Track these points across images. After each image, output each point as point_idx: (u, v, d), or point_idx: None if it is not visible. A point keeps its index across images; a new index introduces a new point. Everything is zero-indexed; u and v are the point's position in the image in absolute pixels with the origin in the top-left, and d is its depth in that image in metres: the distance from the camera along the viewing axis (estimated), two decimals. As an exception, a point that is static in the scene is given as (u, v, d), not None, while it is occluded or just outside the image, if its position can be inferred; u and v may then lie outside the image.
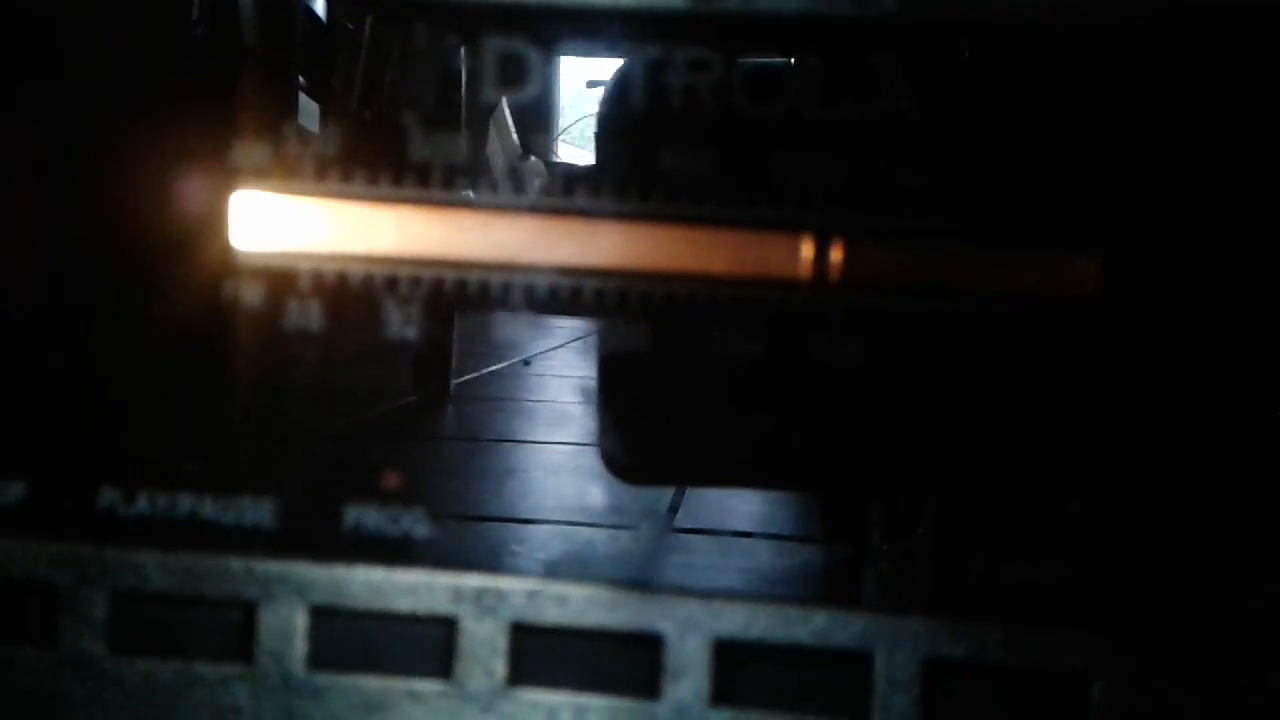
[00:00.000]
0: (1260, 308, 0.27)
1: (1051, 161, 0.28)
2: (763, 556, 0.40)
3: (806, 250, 0.28)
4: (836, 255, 0.28)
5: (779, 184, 0.28)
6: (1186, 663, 0.27)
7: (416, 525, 0.29)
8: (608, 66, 0.29)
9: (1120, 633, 0.28)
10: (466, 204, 0.28)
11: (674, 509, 0.47)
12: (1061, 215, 0.28)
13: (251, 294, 0.28)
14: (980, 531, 0.29)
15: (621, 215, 0.28)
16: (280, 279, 0.28)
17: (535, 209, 0.28)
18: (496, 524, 0.45)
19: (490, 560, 0.34)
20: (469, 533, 0.41)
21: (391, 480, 0.29)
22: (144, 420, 0.30)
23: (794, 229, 0.28)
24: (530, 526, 0.44)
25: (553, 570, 0.30)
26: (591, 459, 0.32)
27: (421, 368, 0.52)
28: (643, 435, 0.31)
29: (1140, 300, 0.27)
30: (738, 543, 0.41)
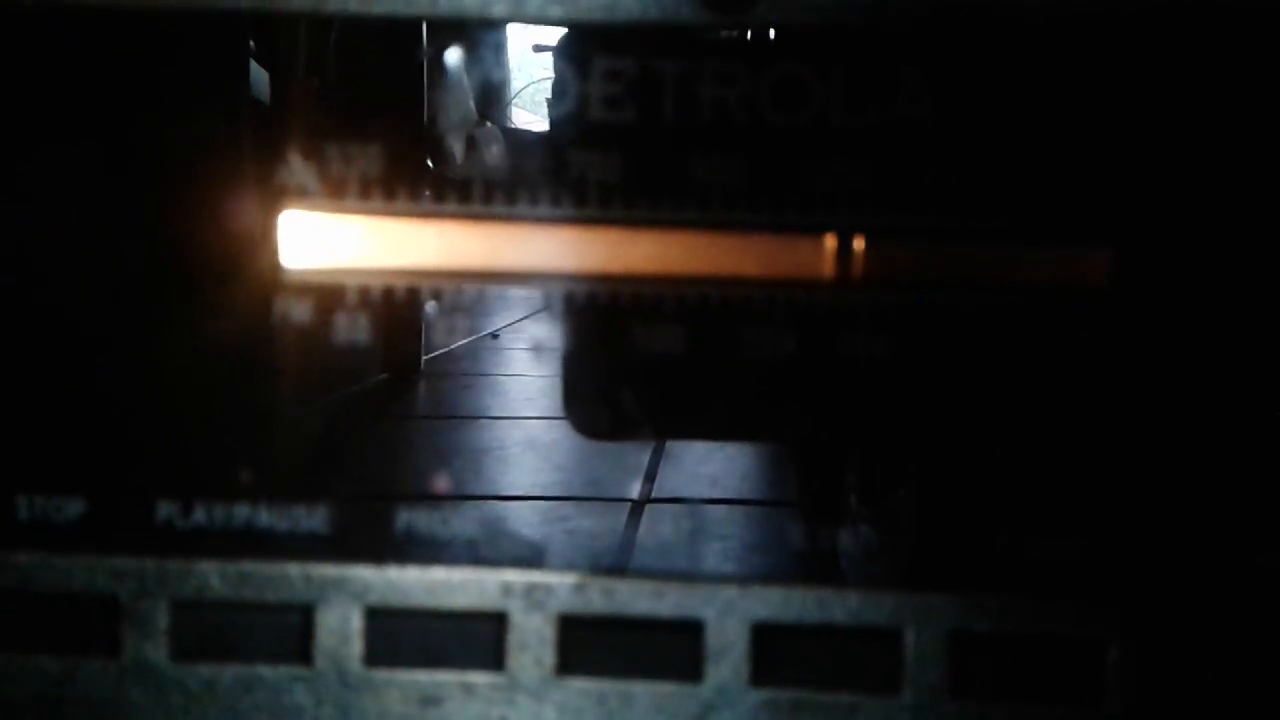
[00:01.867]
0: (1267, 299, 0.29)
1: (1061, 157, 0.29)
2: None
3: (829, 249, 0.29)
4: (858, 254, 0.29)
5: (798, 186, 0.29)
6: (1197, 627, 0.29)
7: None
8: (553, 32, 0.30)
9: (1132, 601, 0.29)
10: (503, 216, 0.29)
11: (650, 477, 0.48)
12: (1071, 210, 0.29)
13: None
14: (990, 506, 0.31)
15: (649, 222, 0.30)
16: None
17: (569, 219, 0.29)
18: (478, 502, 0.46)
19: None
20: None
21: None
22: (198, 433, 0.30)
23: (816, 230, 0.29)
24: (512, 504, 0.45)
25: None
26: (563, 433, 0.33)
27: (392, 344, 0.52)
28: (609, 393, 0.32)
29: (1149, 292, 0.29)
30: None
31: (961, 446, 0.32)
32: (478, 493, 0.47)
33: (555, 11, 0.28)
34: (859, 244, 0.29)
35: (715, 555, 0.36)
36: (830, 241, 0.29)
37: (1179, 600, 0.30)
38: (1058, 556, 0.30)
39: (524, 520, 0.42)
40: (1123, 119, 0.29)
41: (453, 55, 0.32)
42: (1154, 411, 0.30)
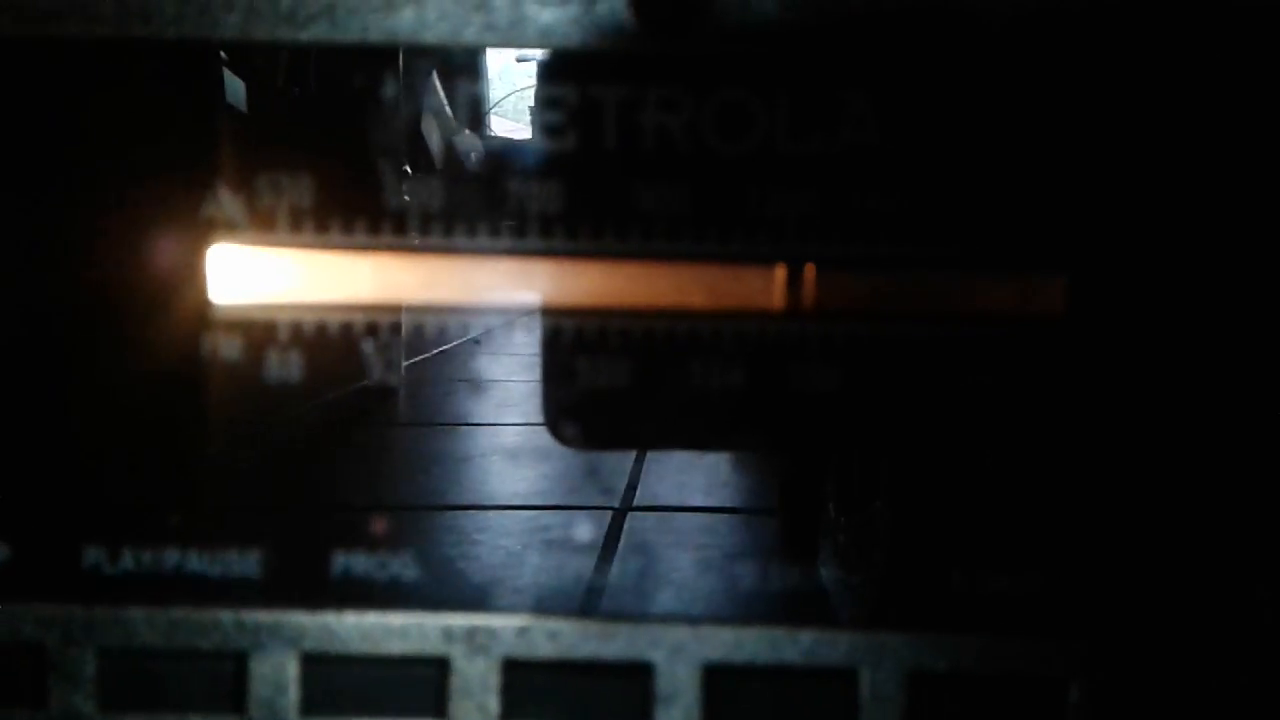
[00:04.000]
0: (1226, 325, 0.28)
1: (1015, 184, 0.28)
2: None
3: (780, 280, 0.29)
4: (809, 284, 0.29)
5: (750, 216, 0.29)
6: (1160, 665, 0.28)
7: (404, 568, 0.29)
8: None
9: (1095, 638, 0.29)
10: (442, 248, 0.29)
11: (632, 486, 0.47)
12: (1026, 238, 0.28)
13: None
14: (948, 542, 0.30)
15: (594, 254, 0.29)
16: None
17: (512, 251, 0.29)
18: (457, 513, 0.45)
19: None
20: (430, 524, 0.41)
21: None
22: (125, 476, 0.29)
23: (767, 260, 0.29)
24: (491, 514, 0.45)
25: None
26: (544, 440, 0.32)
27: (371, 351, 0.51)
28: (587, 402, 0.31)
29: (1105, 319, 0.28)
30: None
31: (916, 478, 0.31)
32: (456, 502, 0.46)
33: (491, 39, 0.27)
34: (810, 274, 0.29)
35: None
36: (780, 272, 0.29)
37: (1141, 637, 0.29)
38: (1016, 591, 0.29)
39: (504, 530, 0.41)
40: (1077, 144, 0.28)
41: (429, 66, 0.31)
42: (1113, 440, 0.29)
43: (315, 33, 0.27)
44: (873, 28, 0.27)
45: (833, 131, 0.28)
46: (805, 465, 0.37)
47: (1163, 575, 0.29)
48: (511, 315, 0.30)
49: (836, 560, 0.33)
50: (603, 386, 0.29)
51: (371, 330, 0.29)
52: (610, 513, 0.45)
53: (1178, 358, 0.28)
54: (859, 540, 0.33)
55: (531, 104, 0.29)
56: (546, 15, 0.27)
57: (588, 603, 0.31)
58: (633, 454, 0.51)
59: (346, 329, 0.29)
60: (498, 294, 0.29)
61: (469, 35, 0.28)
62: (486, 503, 0.48)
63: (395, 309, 0.29)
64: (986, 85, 0.28)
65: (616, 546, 0.40)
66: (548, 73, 0.28)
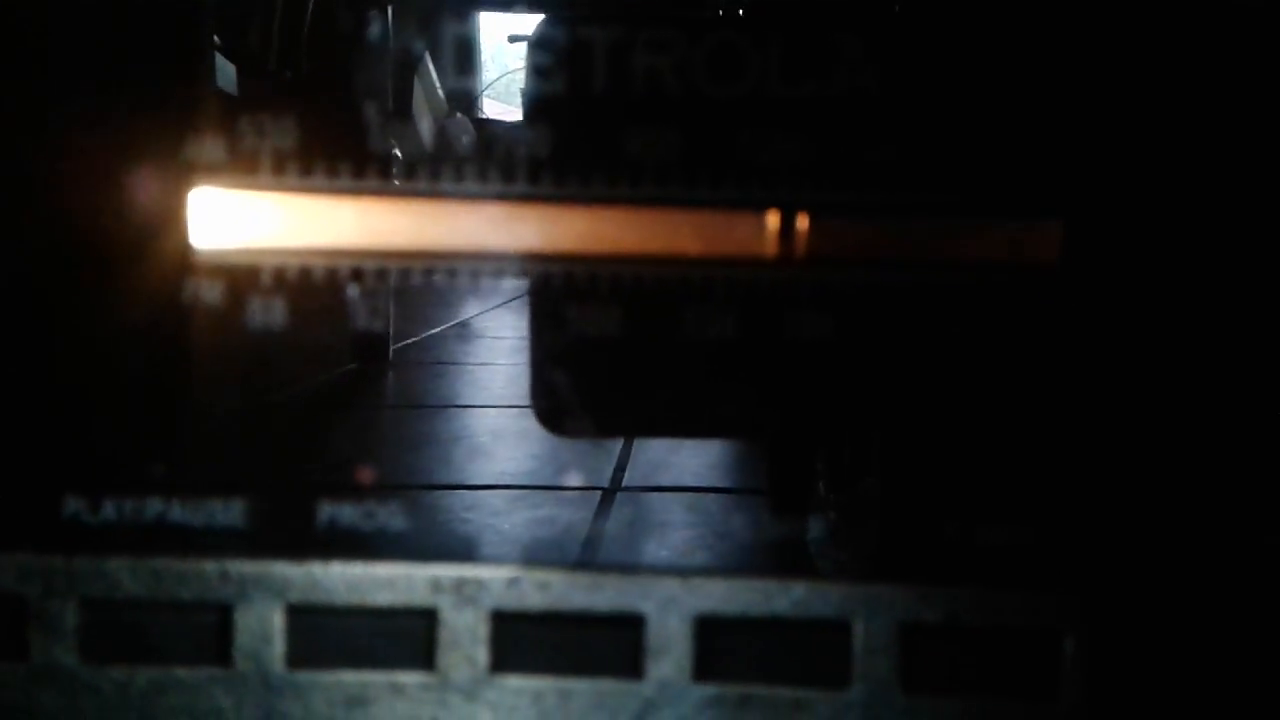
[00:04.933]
0: (1223, 275, 0.28)
1: (1008, 132, 0.28)
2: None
3: (772, 227, 0.28)
4: (802, 231, 0.28)
5: (742, 162, 0.28)
6: (1156, 616, 0.28)
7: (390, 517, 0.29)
8: (528, 21, 0.29)
9: (1089, 590, 0.28)
10: (429, 193, 0.28)
11: (621, 468, 0.47)
12: (1020, 183, 0.28)
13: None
14: (945, 492, 0.30)
15: (583, 199, 0.28)
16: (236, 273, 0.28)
17: (499, 196, 0.28)
18: (446, 492, 0.45)
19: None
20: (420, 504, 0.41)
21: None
22: (107, 424, 0.29)
23: (759, 206, 0.28)
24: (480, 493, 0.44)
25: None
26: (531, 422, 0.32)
27: (360, 334, 0.51)
28: (574, 390, 0.30)
29: (1101, 268, 0.28)
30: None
31: (909, 430, 0.30)
32: (448, 481, 0.46)
33: None
34: (803, 221, 0.28)
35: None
36: (773, 219, 0.28)
37: (1136, 589, 0.28)
38: (1011, 543, 0.29)
39: (488, 509, 0.41)
40: (1072, 89, 0.28)
41: (423, 45, 0.30)
42: (1109, 392, 0.29)
43: None
44: None
45: (826, 77, 0.28)
46: (800, 419, 0.36)
47: (1158, 527, 0.29)
48: (499, 262, 0.29)
49: (842, 512, 0.33)
50: (592, 372, 0.29)
51: (357, 276, 0.28)
52: (599, 493, 0.45)
53: (1173, 306, 0.28)
54: (852, 498, 0.33)
55: (523, 85, 0.28)
56: None
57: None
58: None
59: (332, 275, 0.28)
60: (484, 240, 0.28)
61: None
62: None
63: (382, 254, 0.28)
64: (980, 29, 0.28)
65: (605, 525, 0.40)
66: (537, 14, 0.28)
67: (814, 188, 0.28)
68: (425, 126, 0.31)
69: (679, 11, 0.28)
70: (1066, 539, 0.29)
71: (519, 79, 0.29)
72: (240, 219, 0.28)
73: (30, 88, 0.28)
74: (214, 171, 0.28)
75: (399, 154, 0.32)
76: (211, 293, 0.28)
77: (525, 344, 0.30)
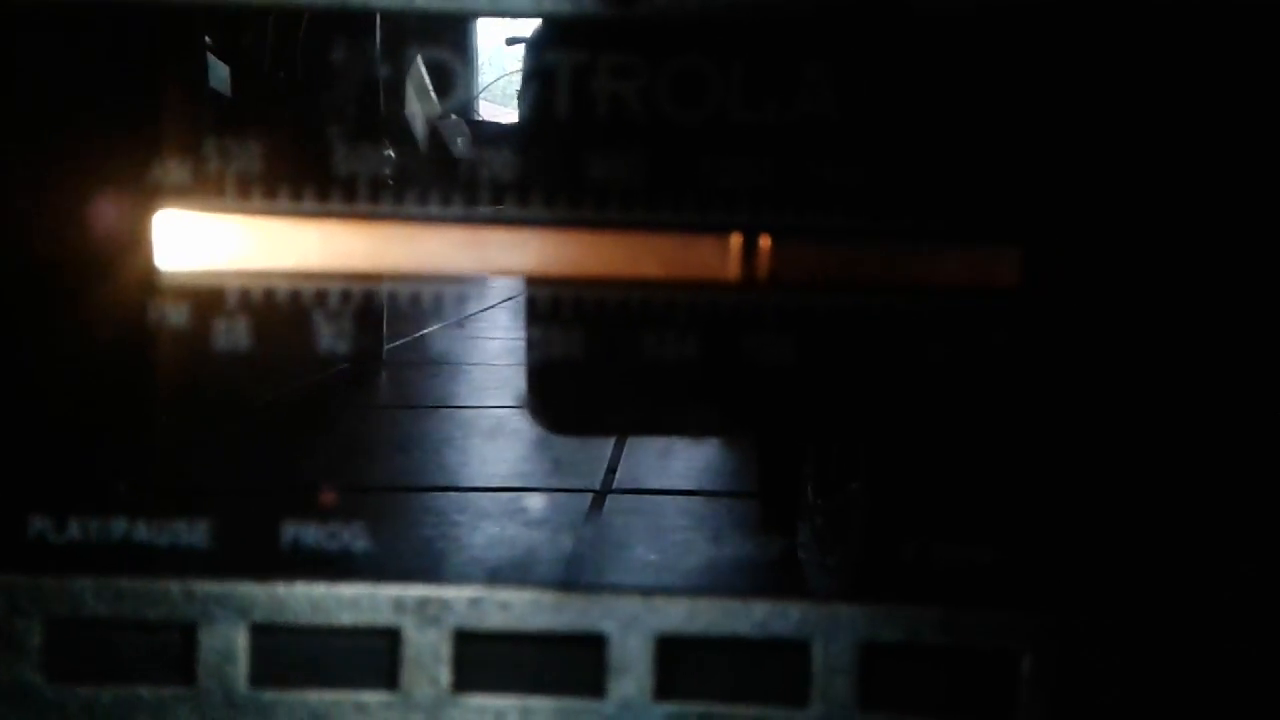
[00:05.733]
0: (1183, 296, 0.28)
1: (969, 157, 0.28)
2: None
3: (735, 250, 0.28)
4: (764, 254, 0.28)
5: (705, 186, 0.28)
6: (1112, 637, 0.29)
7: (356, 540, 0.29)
8: (527, 23, 0.29)
9: (1046, 611, 0.29)
10: (393, 216, 0.28)
11: (612, 469, 0.47)
12: (981, 208, 0.28)
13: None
14: (912, 514, 0.30)
15: (548, 222, 0.28)
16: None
17: (463, 219, 0.28)
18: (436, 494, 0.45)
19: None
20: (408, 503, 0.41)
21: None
22: (72, 443, 0.29)
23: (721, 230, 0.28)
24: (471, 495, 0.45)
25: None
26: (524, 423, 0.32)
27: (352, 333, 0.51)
28: (568, 387, 0.31)
29: (1059, 290, 0.28)
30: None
31: (871, 451, 0.31)
32: (438, 484, 0.46)
33: (442, 4, 0.27)
34: (765, 244, 0.28)
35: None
36: (735, 241, 0.28)
37: (1094, 609, 0.29)
38: (969, 563, 0.29)
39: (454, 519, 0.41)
40: (1030, 116, 0.28)
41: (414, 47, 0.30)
42: (1069, 413, 0.29)
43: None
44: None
45: (788, 101, 0.28)
46: (776, 442, 0.37)
47: (1119, 548, 0.29)
48: (464, 284, 0.30)
49: (829, 518, 0.33)
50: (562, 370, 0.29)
51: (321, 299, 0.28)
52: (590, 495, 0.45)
53: (1133, 328, 0.28)
54: (827, 517, 0.33)
55: (518, 87, 0.29)
56: None
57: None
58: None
59: (295, 298, 0.28)
60: (451, 263, 0.28)
61: (420, 1, 0.27)
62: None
63: (345, 277, 0.28)
64: (941, 55, 0.28)
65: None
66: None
67: (777, 211, 0.28)
68: (419, 127, 0.31)
69: (642, 36, 0.28)
70: (1025, 560, 0.29)
71: (515, 81, 0.29)
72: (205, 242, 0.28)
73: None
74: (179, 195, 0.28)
75: (392, 154, 0.32)
76: (179, 313, 0.28)
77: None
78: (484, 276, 0.30)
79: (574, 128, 0.28)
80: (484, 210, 0.28)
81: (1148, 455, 0.29)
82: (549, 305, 0.29)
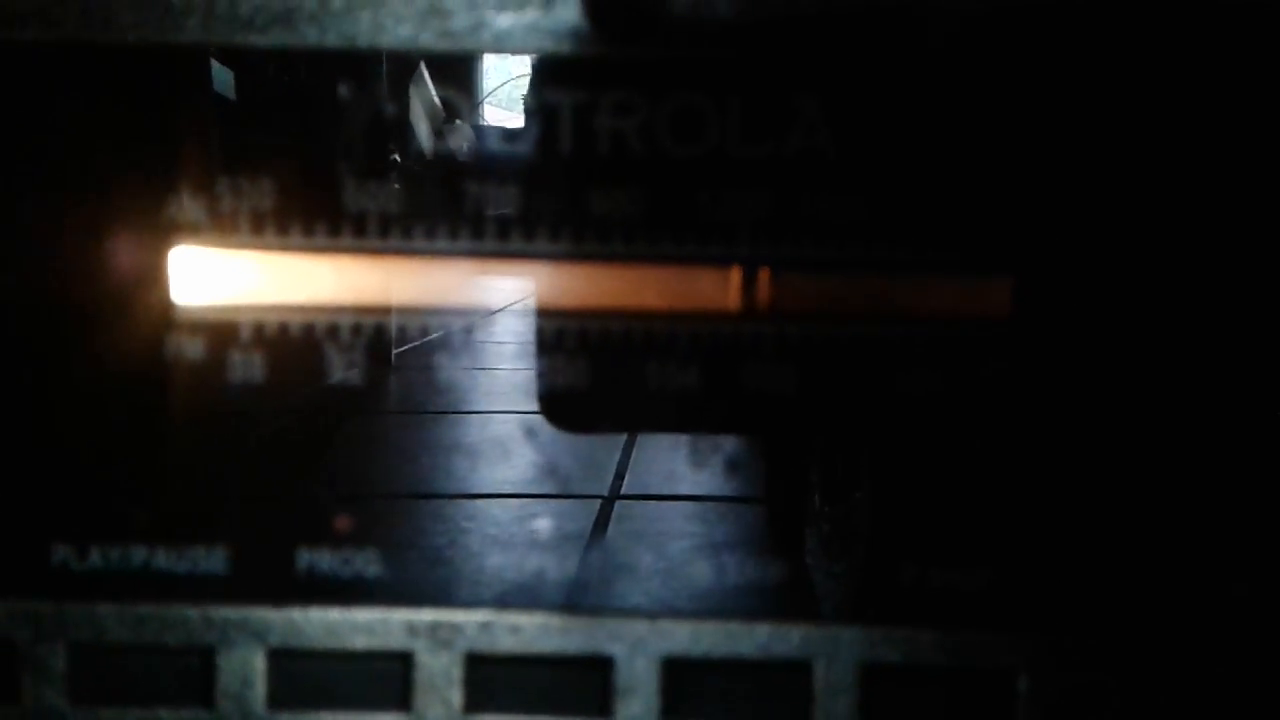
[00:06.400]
0: (1166, 324, 0.29)
1: (962, 190, 0.29)
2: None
3: (735, 282, 0.29)
4: (764, 286, 0.29)
5: (705, 219, 0.29)
6: (1107, 656, 0.29)
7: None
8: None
9: (1043, 631, 0.29)
10: (401, 250, 0.29)
11: (620, 475, 0.48)
12: (974, 240, 0.29)
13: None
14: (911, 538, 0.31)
15: (552, 256, 0.29)
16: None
17: (470, 252, 0.29)
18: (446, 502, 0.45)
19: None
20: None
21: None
22: (94, 474, 0.30)
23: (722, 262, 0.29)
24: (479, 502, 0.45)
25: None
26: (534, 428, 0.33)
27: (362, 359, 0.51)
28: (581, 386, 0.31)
29: (1049, 320, 0.29)
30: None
31: (868, 476, 0.31)
32: (447, 491, 0.46)
33: (447, 44, 0.28)
34: (764, 276, 0.29)
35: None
36: (735, 274, 0.29)
37: (1088, 629, 0.29)
38: (967, 586, 0.30)
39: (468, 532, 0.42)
40: (1022, 149, 0.28)
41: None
42: (1062, 438, 0.30)
43: (274, 38, 0.28)
44: (825, 32, 0.28)
45: (786, 135, 0.29)
46: (780, 461, 0.37)
47: (1112, 569, 0.30)
48: (470, 317, 0.30)
49: (835, 525, 0.34)
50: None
51: (333, 332, 0.29)
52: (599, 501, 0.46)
53: (1122, 357, 0.29)
54: (834, 524, 0.34)
55: (524, 93, 0.29)
56: (503, 20, 0.28)
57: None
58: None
59: (309, 330, 0.29)
60: (455, 296, 0.29)
61: (426, 40, 0.28)
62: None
63: (357, 310, 0.29)
64: (938, 90, 0.28)
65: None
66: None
67: (776, 244, 0.29)
68: (423, 132, 0.31)
69: (640, 72, 0.28)
70: (1021, 581, 0.30)
71: (521, 86, 0.30)
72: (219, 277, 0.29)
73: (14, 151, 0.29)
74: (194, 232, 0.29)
75: (398, 159, 0.32)
76: (195, 342, 0.29)
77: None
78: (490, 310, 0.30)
79: (577, 165, 0.29)
80: (491, 244, 0.29)
81: (1140, 478, 0.29)
82: (555, 335, 0.29)
